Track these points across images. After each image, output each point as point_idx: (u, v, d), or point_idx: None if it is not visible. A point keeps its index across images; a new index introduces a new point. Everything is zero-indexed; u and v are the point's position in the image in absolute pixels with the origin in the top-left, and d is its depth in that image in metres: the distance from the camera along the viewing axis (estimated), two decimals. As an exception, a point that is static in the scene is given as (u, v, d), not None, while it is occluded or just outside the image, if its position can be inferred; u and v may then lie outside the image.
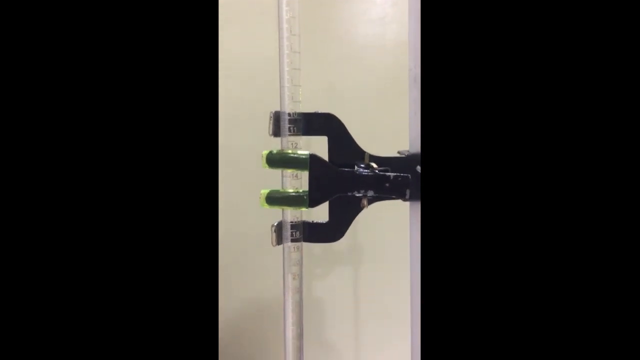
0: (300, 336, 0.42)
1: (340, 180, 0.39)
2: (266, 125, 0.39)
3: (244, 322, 0.93)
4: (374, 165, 0.40)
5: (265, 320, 0.92)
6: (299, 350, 0.44)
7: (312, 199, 0.40)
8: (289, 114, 0.39)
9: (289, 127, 0.39)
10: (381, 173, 0.39)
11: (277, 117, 0.39)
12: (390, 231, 0.87)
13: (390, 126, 0.67)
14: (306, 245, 0.97)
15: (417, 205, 0.42)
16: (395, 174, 0.39)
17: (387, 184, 0.39)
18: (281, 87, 0.38)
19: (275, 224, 0.41)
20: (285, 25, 0.38)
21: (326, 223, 0.42)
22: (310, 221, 0.42)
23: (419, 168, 0.39)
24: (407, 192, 0.39)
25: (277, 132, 0.39)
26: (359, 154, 0.40)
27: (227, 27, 0.80)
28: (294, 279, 0.42)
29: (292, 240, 0.41)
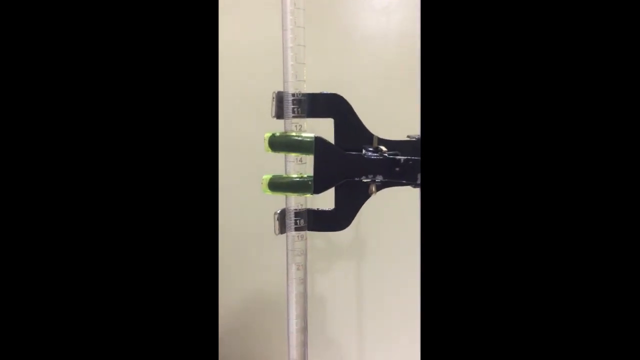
0: (304, 330, 0.40)
1: (347, 165, 0.37)
2: (269, 112, 0.37)
3: (247, 317, 0.91)
4: (383, 148, 0.37)
5: (268, 315, 0.91)
6: (303, 344, 0.42)
7: (317, 185, 0.37)
8: (293, 94, 0.36)
9: (293, 108, 0.36)
10: (391, 157, 0.37)
11: (280, 98, 0.36)
12: (394, 224, 0.85)
13: (397, 115, 0.65)
14: (309, 238, 0.95)
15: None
16: (405, 157, 0.37)
17: (397, 169, 0.37)
18: (284, 65, 0.36)
19: (279, 212, 0.39)
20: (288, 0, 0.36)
21: (332, 211, 0.40)
22: (315, 209, 0.40)
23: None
24: (419, 176, 0.37)
25: (280, 113, 0.37)
26: (367, 138, 0.38)
27: (227, 11, 0.78)
28: (297, 269, 0.39)
29: (296, 229, 0.39)
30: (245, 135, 0.72)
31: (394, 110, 0.72)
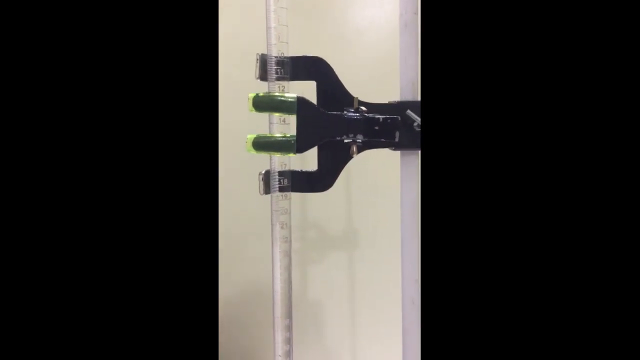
0: (287, 282, 0.41)
1: (328, 124, 0.39)
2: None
3: (241, 306, 0.92)
4: (364, 108, 0.39)
5: (261, 305, 0.91)
6: (288, 298, 0.42)
7: (299, 144, 0.39)
8: (276, 56, 0.38)
9: (276, 69, 0.38)
10: (370, 116, 0.38)
11: (263, 60, 0.38)
12: (385, 215, 0.86)
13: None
14: (301, 229, 0.96)
15: (409, 156, 0.41)
16: (384, 116, 0.38)
17: (377, 127, 0.38)
18: (267, 27, 0.38)
19: (263, 172, 0.40)
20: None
21: (315, 172, 0.41)
22: (299, 170, 0.41)
23: (409, 111, 0.39)
24: (397, 134, 0.38)
25: (263, 75, 0.38)
26: (348, 100, 0.40)
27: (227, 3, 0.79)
28: (282, 228, 0.41)
29: (280, 189, 0.40)
30: (242, 129, 0.73)
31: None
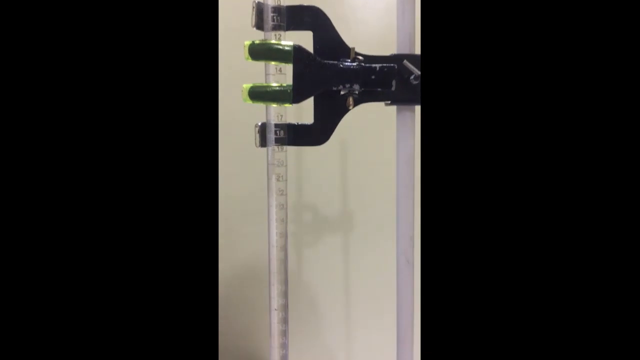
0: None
1: (325, 73, 0.38)
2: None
3: (237, 287, 0.91)
4: (360, 57, 0.39)
5: (257, 285, 0.91)
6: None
7: (296, 93, 0.39)
8: (273, 5, 0.38)
9: (273, 17, 0.38)
10: (367, 65, 0.38)
11: (260, 8, 0.38)
12: (380, 198, 0.86)
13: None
14: (296, 212, 0.95)
15: (405, 111, 0.41)
16: (381, 64, 0.38)
17: (373, 76, 0.38)
18: (263, -27, 0.37)
19: (259, 124, 0.40)
20: None
21: (311, 125, 0.41)
22: (295, 123, 0.41)
23: (406, 62, 0.39)
24: (393, 83, 0.38)
25: (260, 24, 0.38)
26: (344, 51, 0.39)
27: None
28: (278, 180, 0.40)
29: (277, 141, 0.40)
30: (242, 108, 0.73)
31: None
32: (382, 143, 0.77)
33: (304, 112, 0.41)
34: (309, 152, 0.84)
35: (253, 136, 0.40)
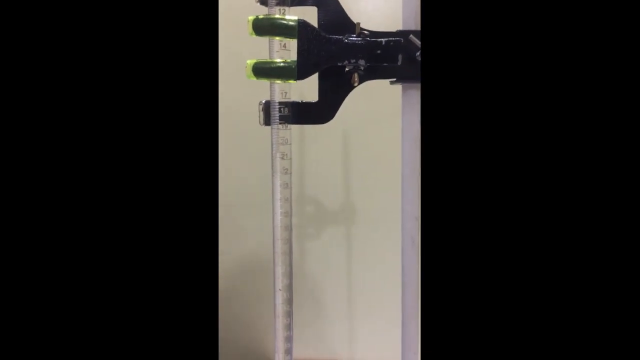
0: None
1: (330, 48, 0.38)
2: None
3: (240, 278, 0.91)
4: (366, 32, 0.38)
5: (259, 277, 0.90)
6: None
7: (300, 69, 0.38)
8: (277, -21, 0.37)
9: (277, -9, 0.37)
10: (372, 40, 0.38)
11: (264, -18, 0.37)
12: (383, 190, 0.85)
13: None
14: (299, 204, 0.95)
15: (410, 90, 0.40)
16: (386, 39, 0.37)
17: (379, 51, 0.38)
18: (268, -52, 0.37)
19: (263, 102, 0.40)
20: None
21: (316, 103, 0.40)
22: (300, 101, 0.40)
23: (412, 36, 0.38)
24: (400, 57, 0.38)
25: (263, -1, 0.38)
26: (350, 26, 0.39)
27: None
28: (282, 158, 0.40)
29: (281, 118, 0.39)
30: (243, 103, 0.73)
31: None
32: (385, 135, 0.76)
33: (306, 94, 0.40)
34: (311, 144, 0.84)
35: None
